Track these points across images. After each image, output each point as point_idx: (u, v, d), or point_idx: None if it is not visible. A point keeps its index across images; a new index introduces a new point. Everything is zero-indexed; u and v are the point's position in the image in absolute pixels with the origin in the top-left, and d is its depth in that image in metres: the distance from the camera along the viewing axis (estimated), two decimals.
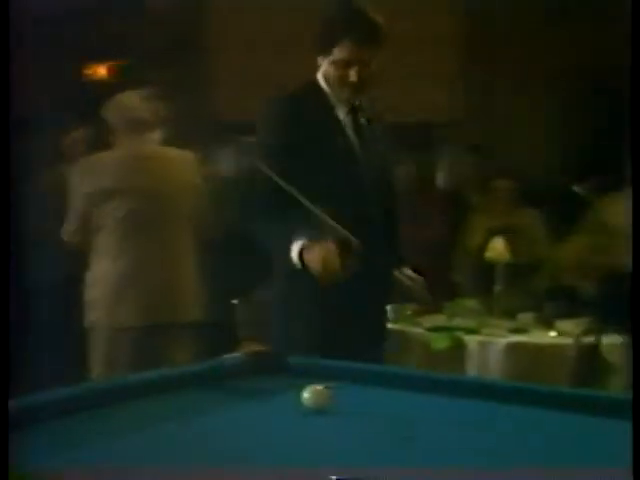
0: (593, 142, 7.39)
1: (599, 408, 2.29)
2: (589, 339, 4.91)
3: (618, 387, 4.99)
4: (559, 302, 5.19)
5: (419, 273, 3.57)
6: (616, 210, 5.74)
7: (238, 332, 4.96)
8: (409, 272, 3.55)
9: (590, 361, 4.91)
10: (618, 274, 5.54)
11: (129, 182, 4.27)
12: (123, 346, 4.20)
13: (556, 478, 1.83)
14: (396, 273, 3.52)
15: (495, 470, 1.87)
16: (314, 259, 2.88)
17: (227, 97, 7.76)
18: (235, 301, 5.14)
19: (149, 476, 1.82)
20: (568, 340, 4.90)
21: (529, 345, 4.90)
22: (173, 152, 4.45)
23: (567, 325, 4.98)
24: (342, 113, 3.33)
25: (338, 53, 3.16)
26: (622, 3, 3.23)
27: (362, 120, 3.38)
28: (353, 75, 3.16)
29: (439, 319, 5.25)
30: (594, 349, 4.93)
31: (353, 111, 3.36)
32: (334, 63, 3.19)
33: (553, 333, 5.02)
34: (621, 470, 1.78)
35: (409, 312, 5.23)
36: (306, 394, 2.34)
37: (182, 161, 4.45)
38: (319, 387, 2.35)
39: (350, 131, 3.33)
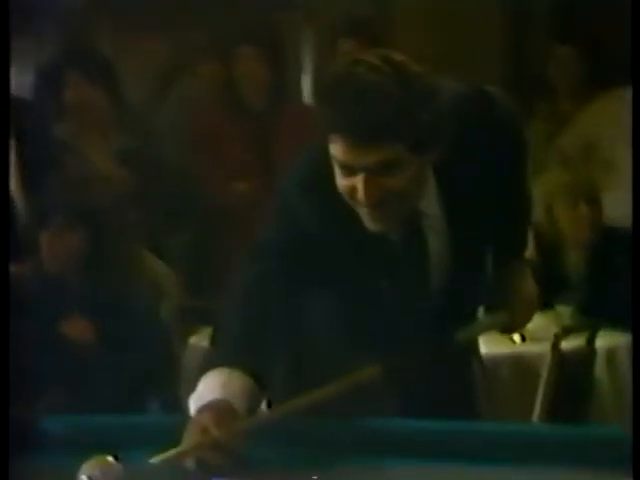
0: None
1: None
2: (574, 343, 3.30)
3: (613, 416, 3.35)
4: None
5: None
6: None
7: None
8: None
9: (576, 379, 3.28)
10: (615, 232, 3.66)
11: None
12: None
13: None
14: None
15: None
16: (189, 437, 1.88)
17: None
18: None
19: None
20: (540, 347, 3.27)
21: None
22: None
23: (538, 323, 3.21)
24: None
25: (333, 151, 1.97)
26: None
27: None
28: (361, 190, 1.96)
29: None
30: (584, 360, 3.28)
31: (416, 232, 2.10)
32: (336, 165, 1.99)
33: (517, 338, 3.32)
34: None
35: None
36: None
37: None
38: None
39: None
